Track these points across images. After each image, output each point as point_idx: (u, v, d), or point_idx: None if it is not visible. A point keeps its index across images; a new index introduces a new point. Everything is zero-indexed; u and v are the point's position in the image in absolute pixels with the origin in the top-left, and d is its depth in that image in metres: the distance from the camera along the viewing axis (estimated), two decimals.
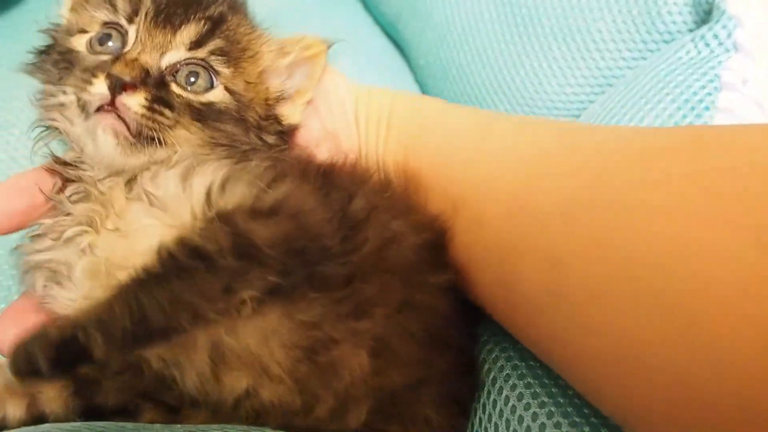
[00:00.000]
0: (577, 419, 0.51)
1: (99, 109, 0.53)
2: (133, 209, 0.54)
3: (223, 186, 0.53)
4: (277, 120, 0.63)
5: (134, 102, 0.53)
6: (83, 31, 0.59)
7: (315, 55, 0.65)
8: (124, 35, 0.58)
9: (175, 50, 0.57)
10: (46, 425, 0.49)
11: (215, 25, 0.59)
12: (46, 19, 0.64)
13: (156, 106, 0.54)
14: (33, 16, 0.90)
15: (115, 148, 0.54)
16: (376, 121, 0.70)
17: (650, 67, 0.77)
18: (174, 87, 0.57)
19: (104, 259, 0.53)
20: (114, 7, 0.58)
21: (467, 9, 0.96)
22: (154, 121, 0.54)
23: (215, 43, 0.58)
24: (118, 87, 0.53)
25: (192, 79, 0.57)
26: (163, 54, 0.57)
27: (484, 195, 0.55)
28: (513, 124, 0.62)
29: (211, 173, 0.54)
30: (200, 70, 0.58)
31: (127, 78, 0.53)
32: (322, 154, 0.66)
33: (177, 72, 0.57)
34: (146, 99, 0.54)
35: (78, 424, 0.49)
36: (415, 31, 1.05)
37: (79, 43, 0.59)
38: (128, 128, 0.54)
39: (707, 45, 0.72)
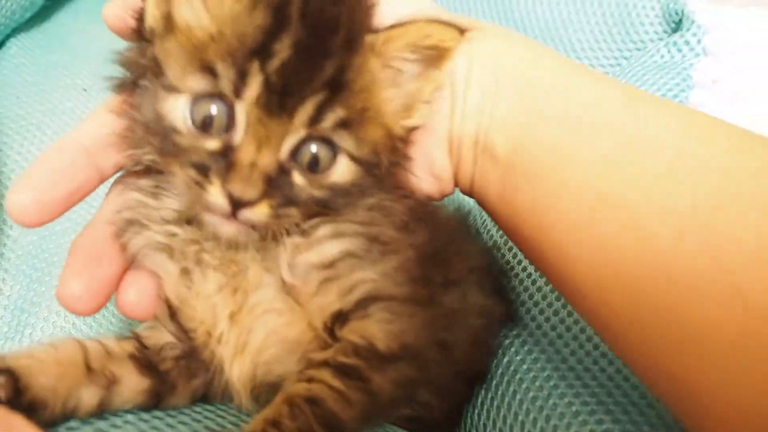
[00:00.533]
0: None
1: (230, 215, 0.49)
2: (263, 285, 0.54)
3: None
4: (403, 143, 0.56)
5: (258, 214, 0.48)
6: (174, 90, 0.49)
7: (444, 51, 0.53)
8: (230, 109, 0.49)
9: (293, 134, 0.49)
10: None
11: (334, 92, 0.49)
12: None
13: (281, 211, 0.49)
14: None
15: (239, 237, 0.51)
16: (480, 92, 0.57)
17: (627, 70, 0.85)
18: (296, 177, 0.50)
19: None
20: (213, 74, 0.48)
21: None
22: (280, 223, 0.50)
23: (336, 115, 0.49)
24: (239, 204, 0.48)
25: (315, 162, 0.50)
26: (280, 145, 0.49)
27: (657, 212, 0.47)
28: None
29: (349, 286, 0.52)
30: (321, 147, 0.50)
31: (248, 198, 0.48)
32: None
33: (297, 154, 0.50)
34: (270, 207, 0.48)
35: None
36: None
37: (175, 108, 0.50)
38: (253, 228, 0.50)
39: (679, 50, 0.82)
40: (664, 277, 0.45)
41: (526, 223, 0.54)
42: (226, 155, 0.48)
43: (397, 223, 0.55)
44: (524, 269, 0.72)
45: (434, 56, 0.53)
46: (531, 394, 0.62)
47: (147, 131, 0.51)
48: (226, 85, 0.47)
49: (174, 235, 0.54)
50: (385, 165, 0.54)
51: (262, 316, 0.54)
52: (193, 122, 0.49)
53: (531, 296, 0.69)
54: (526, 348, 0.65)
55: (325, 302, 0.53)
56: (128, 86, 0.53)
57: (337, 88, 0.48)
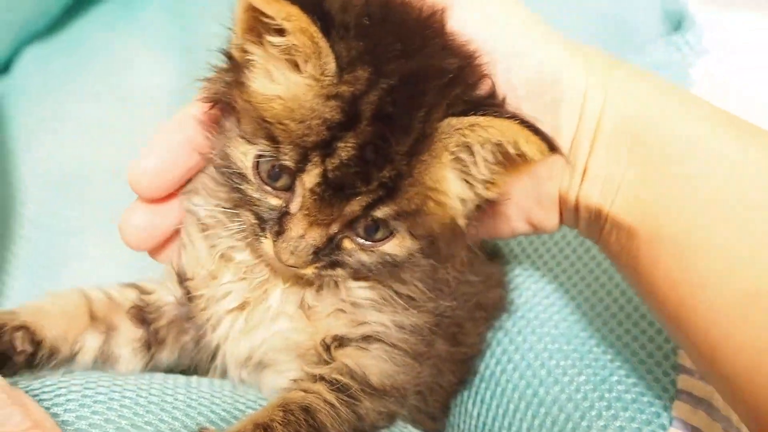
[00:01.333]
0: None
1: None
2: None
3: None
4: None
5: (302, 272, 0.52)
6: (247, 140, 0.50)
7: (526, 163, 0.49)
8: (292, 177, 0.49)
9: (345, 217, 0.50)
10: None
11: (390, 191, 0.48)
12: None
13: (325, 273, 0.52)
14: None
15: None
16: (608, 152, 0.53)
17: None
18: (346, 243, 0.51)
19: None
20: (278, 148, 0.48)
21: None
22: (324, 278, 0.54)
23: (388, 210, 0.49)
24: (300, 254, 0.50)
25: (370, 231, 0.51)
26: (329, 227, 0.50)
27: None
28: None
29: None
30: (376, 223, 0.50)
31: (293, 264, 0.50)
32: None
33: (354, 225, 0.50)
34: (316, 269, 0.51)
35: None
36: None
37: (245, 157, 0.51)
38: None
39: (679, 49, 0.83)
40: None
41: (664, 296, 0.51)
42: (282, 218, 0.50)
43: (430, 285, 0.56)
44: (523, 253, 0.73)
45: (514, 162, 0.50)
46: (523, 381, 0.62)
47: (218, 164, 0.54)
48: (288, 161, 0.48)
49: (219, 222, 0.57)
50: (444, 249, 0.54)
51: (274, 317, 0.57)
52: (260, 174, 0.50)
53: (527, 286, 0.70)
54: (519, 337, 0.66)
55: (333, 325, 0.56)
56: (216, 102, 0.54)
57: (393, 189, 0.48)
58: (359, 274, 0.53)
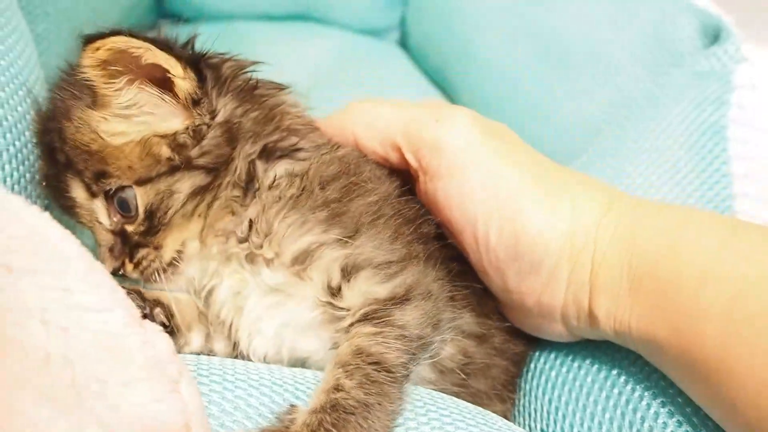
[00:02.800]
0: None
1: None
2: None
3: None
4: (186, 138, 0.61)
5: (130, 272, 0.62)
6: None
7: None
8: None
9: (95, 209, 0.62)
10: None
11: (78, 168, 0.60)
12: None
13: (136, 258, 0.61)
14: None
15: (174, 284, 0.63)
16: (611, 278, 0.56)
17: (666, 83, 0.90)
18: (128, 227, 0.61)
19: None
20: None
21: (506, 48, 1.11)
22: (147, 267, 0.61)
23: (87, 176, 0.60)
24: (119, 274, 0.62)
25: (126, 205, 0.60)
26: (97, 219, 0.62)
27: None
28: None
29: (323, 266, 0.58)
30: (118, 193, 0.60)
31: (113, 268, 0.61)
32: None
33: (118, 212, 0.61)
34: (130, 261, 0.61)
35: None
36: (459, 71, 1.20)
37: None
38: (157, 276, 0.62)
39: (719, 59, 0.86)
40: None
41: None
42: None
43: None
44: None
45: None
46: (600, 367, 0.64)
47: None
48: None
49: None
50: (183, 157, 0.60)
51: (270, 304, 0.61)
52: None
53: None
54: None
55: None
56: None
57: (75, 165, 0.60)
58: (154, 242, 0.61)
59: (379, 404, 0.51)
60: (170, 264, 0.61)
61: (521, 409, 0.70)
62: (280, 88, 0.66)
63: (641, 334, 0.54)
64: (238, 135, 0.61)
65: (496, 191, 0.58)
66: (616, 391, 0.61)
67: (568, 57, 1.03)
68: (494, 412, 0.63)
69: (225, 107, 0.61)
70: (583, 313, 0.58)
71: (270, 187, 0.60)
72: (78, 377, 0.40)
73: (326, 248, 0.58)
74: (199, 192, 0.60)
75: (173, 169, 0.59)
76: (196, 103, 0.60)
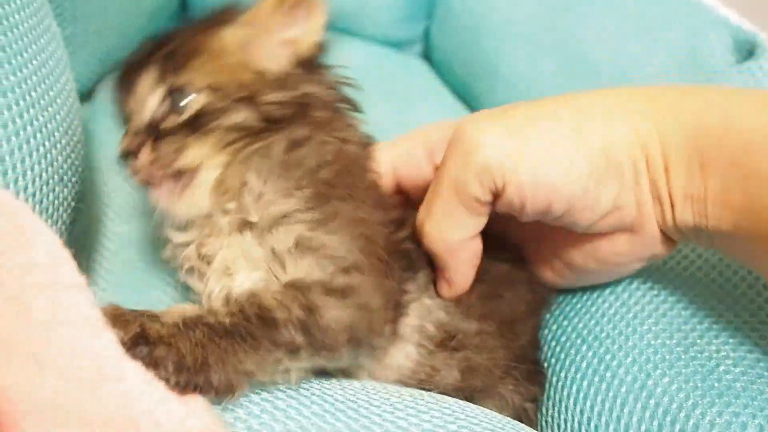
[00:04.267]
0: None
1: (144, 183, 0.63)
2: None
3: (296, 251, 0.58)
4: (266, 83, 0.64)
5: (143, 157, 0.62)
6: None
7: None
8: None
9: (149, 97, 0.63)
10: None
11: (166, 57, 0.64)
12: None
13: (156, 146, 0.61)
14: None
15: (172, 204, 0.63)
16: (684, 175, 0.56)
17: None
18: (165, 123, 0.62)
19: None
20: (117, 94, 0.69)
21: (532, 62, 1.10)
22: (162, 158, 0.61)
23: (169, 67, 0.63)
24: (130, 158, 0.63)
25: (178, 105, 0.62)
26: (143, 108, 0.63)
27: None
28: None
29: (283, 233, 0.58)
30: (179, 92, 0.62)
31: (123, 149, 0.63)
32: (599, 229, 0.62)
33: (166, 111, 0.63)
34: (150, 149, 0.62)
35: None
36: (485, 85, 1.19)
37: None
38: (162, 181, 0.62)
39: (753, 75, 0.85)
40: None
41: None
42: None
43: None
44: None
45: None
46: (630, 376, 0.63)
47: None
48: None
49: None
50: (256, 93, 0.62)
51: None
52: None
53: (623, 288, 0.71)
54: (621, 337, 0.68)
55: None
56: None
57: (168, 56, 0.63)
58: (184, 142, 0.61)
59: (239, 343, 0.49)
60: (182, 171, 0.62)
61: (549, 419, 0.69)
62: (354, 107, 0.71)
63: (717, 211, 0.54)
64: (302, 115, 0.64)
65: (549, 158, 0.58)
66: (653, 402, 0.60)
67: (595, 72, 1.02)
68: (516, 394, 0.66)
69: (312, 86, 0.66)
70: (666, 204, 0.58)
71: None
72: None
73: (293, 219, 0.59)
74: (243, 130, 0.62)
75: (241, 99, 0.62)
76: (300, 63, 0.66)
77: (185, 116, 0.61)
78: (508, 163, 0.57)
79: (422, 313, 0.64)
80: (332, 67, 0.69)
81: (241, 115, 0.62)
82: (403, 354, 0.64)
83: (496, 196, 0.60)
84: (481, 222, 0.62)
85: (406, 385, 0.64)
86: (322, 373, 0.60)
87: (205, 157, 0.62)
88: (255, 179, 0.61)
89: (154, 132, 0.62)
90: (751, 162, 0.52)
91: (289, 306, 0.52)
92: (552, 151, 0.57)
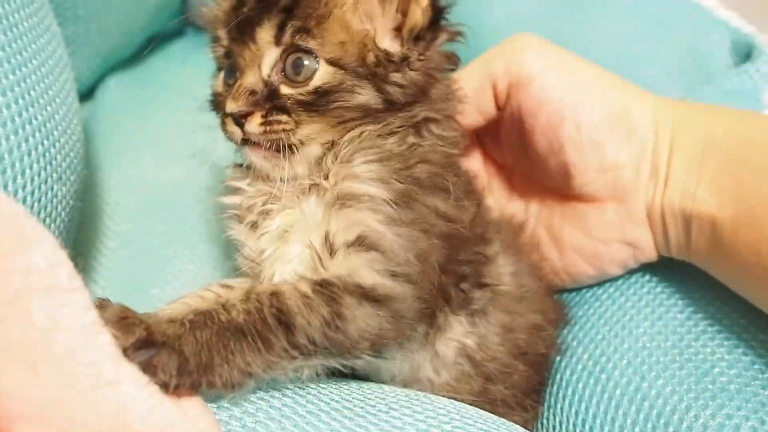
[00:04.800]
0: None
1: (244, 142, 0.61)
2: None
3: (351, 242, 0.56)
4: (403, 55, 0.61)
5: (253, 126, 0.58)
6: (220, 69, 0.66)
7: None
8: (232, 59, 0.62)
9: (267, 53, 0.59)
10: None
11: (289, 13, 0.58)
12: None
13: (271, 118, 0.58)
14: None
15: (269, 167, 0.61)
16: (685, 157, 0.62)
17: (697, 100, 0.89)
18: (283, 89, 0.59)
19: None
20: (218, 38, 0.64)
21: None
22: (274, 132, 0.58)
23: (293, 27, 0.58)
24: (239, 121, 0.59)
25: (298, 68, 0.59)
26: (260, 65, 0.59)
27: None
28: None
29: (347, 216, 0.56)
30: (299, 55, 0.59)
31: (236, 110, 0.58)
32: (594, 189, 0.66)
33: (284, 69, 0.59)
34: (262, 116, 0.58)
35: None
36: None
37: (218, 84, 0.66)
38: (265, 148, 0.60)
39: (750, 78, 0.85)
40: None
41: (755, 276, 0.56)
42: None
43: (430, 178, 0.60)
44: None
45: None
46: (624, 378, 0.63)
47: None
48: (223, 42, 0.63)
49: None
50: (375, 67, 0.60)
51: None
52: (226, 82, 0.64)
53: (621, 293, 0.72)
54: (617, 338, 0.68)
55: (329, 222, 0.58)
56: None
57: (291, 9, 0.58)
58: (302, 117, 0.59)
59: (250, 344, 0.48)
60: (293, 145, 0.59)
61: (545, 421, 0.69)
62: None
63: (705, 193, 0.59)
64: (426, 92, 0.63)
65: (578, 80, 0.66)
66: (647, 404, 0.61)
67: None
68: (515, 422, 0.62)
69: (433, 62, 0.63)
70: (660, 179, 0.63)
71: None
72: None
73: (370, 206, 0.56)
74: (364, 110, 0.60)
75: (365, 76, 0.59)
76: (415, 38, 0.62)
77: (306, 89, 0.59)
78: (540, 62, 0.66)
79: (465, 332, 0.64)
80: (447, 29, 0.65)
81: (365, 96, 0.60)
82: (432, 367, 0.64)
83: (510, 96, 0.68)
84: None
85: None
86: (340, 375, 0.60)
87: (317, 135, 0.60)
88: (360, 159, 0.59)
89: (271, 96, 0.59)
90: (743, 154, 0.58)
91: (314, 311, 0.51)
92: (584, 79, 0.65)
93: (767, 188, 0.55)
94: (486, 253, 0.64)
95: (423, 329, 0.60)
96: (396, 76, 0.60)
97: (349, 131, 0.60)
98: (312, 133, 0.60)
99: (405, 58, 0.61)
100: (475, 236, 0.63)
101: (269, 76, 0.59)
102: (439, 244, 0.58)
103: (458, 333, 0.63)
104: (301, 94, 0.59)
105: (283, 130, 0.59)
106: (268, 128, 0.58)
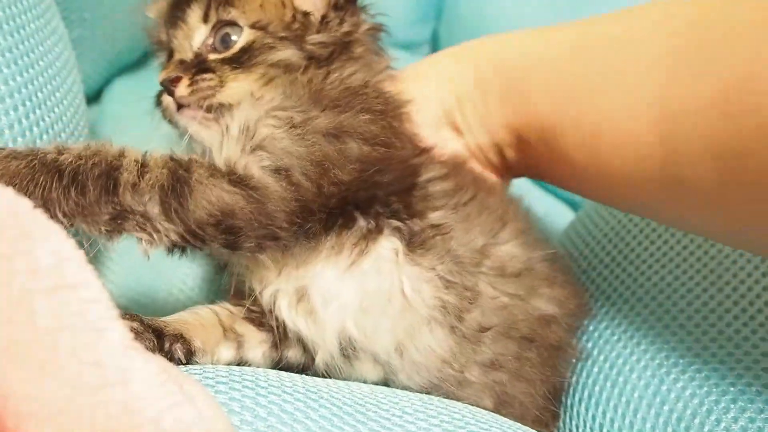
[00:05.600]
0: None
1: (178, 109, 0.63)
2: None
3: None
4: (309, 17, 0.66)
5: (182, 88, 0.62)
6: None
7: None
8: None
9: (196, 32, 0.65)
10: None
11: None
12: None
13: (197, 78, 0.62)
14: None
15: (203, 131, 0.62)
16: (471, 107, 0.70)
17: None
18: (211, 56, 0.64)
19: None
20: (160, 41, 0.70)
21: None
22: (201, 90, 0.61)
23: (217, 1, 0.64)
24: (170, 89, 0.62)
25: (226, 41, 0.64)
26: (189, 42, 0.65)
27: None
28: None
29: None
30: (226, 29, 0.64)
31: (165, 77, 0.62)
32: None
33: (213, 44, 0.64)
34: (189, 79, 0.62)
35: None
36: None
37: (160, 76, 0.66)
38: (197, 110, 0.62)
39: None
40: None
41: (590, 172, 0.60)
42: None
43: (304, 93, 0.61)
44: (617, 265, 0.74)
45: None
46: (642, 381, 0.62)
47: None
48: (162, 36, 0.69)
49: None
50: (299, 32, 0.64)
51: None
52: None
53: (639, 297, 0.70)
54: (633, 340, 0.66)
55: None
56: None
57: None
58: (227, 74, 0.62)
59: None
60: (220, 105, 0.62)
61: (561, 425, 0.68)
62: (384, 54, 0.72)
63: (502, 131, 0.68)
64: (348, 52, 0.67)
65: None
66: (666, 408, 0.59)
67: None
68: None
69: (353, 24, 0.68)
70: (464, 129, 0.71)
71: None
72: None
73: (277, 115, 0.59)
74: (288, 67, 0.63)
75: (285, 37, 0.64)
76: (336, 6, 0.67)
77: (232, 51, 0.63)
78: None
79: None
80: (364, 8, 0.71)
81: (288, 53, 0.63)
82: (429, 329, 0.60)
83: None
84: None
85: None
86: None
87: (245, 92, 0.62)
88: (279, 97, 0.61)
89: (199, 63, 0.63)
90: (519, 84, 0.65)
91: (149, 174, 0.50)
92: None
93: (581, 92, 0.59)
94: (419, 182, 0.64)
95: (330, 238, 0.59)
96: (315, 37, 0.65)
97: (277, 86, 0.62)
98: (240, 90, 0.62)
99: (326, 22, 0.66)
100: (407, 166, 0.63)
101: (198, 49, 0.65)
102: (345, 157, 0.57)
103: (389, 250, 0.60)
104: (227, 55, 0.63)
105: (209, 87, 0.61)
106: (195, 87, 0.61)
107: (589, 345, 0.70)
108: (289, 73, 0.63)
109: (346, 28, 0.67)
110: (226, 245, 0.54)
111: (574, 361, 0.70)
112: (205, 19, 0.65)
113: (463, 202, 0.63)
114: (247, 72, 0.63)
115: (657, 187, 0.53)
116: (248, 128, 0.57)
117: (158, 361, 0.41)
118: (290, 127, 0.56)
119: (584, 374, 0.68)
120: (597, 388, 0.65)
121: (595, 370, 0.67)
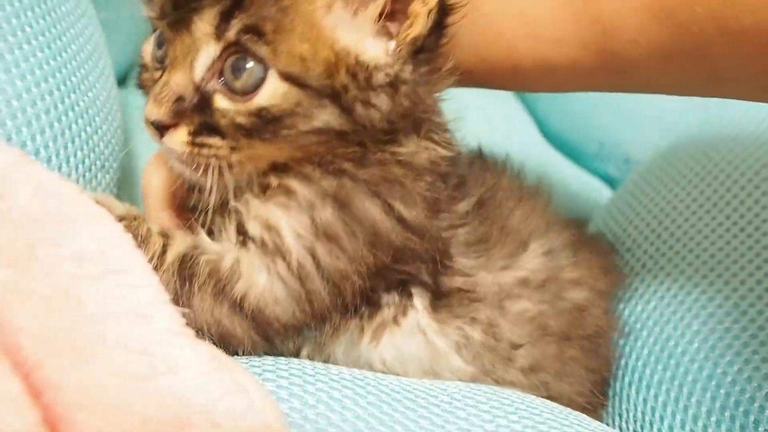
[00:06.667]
0: None
1: (162, 137, 0.49)
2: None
3: None
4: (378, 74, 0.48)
5: (176, 142, 0.48)
6: (154, 30, 0.51)
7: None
8: (163, 37, 0.50)
9: (204, 49, 0.47)
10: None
11: (239, 1, 0.45)
12: None
13: (200, 140, 0.47)
14: None
15: (194, 177, 0.50)
16: None
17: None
18: (218, 101, 0.47)
19: None
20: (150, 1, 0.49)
21: None
22: (202, 155, 0.48)
23: (240, 22, 0.45)
24: (159, 129, 0.48)
25: (238, 71, 0.46)
26: (193, 62, 0.47)
27: None
28: None
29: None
30: (243, 60, 0.46)
31: (155, 120, 0.47)
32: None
33: (222, 72, 0.47)
34: (189, 134, 0.47)
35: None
36: None
37: (147, 53, 0.53)
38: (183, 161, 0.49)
39: None
40: None
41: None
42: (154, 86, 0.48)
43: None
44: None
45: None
46: (695, 365, 0.60)
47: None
48: (155, 9, 0.48)
49: None
50: (351, 98, 0.48)
51: None
52: (154, 52, 0.51)
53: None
54: (684, 322, 0.64)
55: None
56: None
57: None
58: (240, 143, 0.48)
59: None
60: (231, 166, 0.49)
61: (610, 409, 0.67)
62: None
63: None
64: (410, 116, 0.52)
65: None
66: (723, 391, 0.57)
67: None
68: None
69: (424, 88, 0.52)
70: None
71: None
72: None
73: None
74: (322, 132, 0.48)
75: (327, 96, 0.47)
76: (415, 52, 0.49)
77: (249, 107, 0.47)
78: None
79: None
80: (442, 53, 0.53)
81: (325, 119, 0.48)
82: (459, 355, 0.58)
83: None
84: None
85: None
86: None
87: (258, 158, 0.50)
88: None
89: (202, 107, 0.47)
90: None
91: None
92: None
93: None
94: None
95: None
96: (375, 99, 0.49)
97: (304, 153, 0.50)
98: (253, 155, 0.49)
99: (395, 79, 0.49)
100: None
101: (202, 80, 0.47)
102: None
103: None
104: (241, 113, 0.47)
105: (215, 156, 0.48)
106: (195, 150, 0.48)
107: (638, 326, 0.68)
108: (327, 142, 0.50)
109: (420, 90, 0.51)
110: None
111: (617, 337, 0.68)
112: (219, 35, 0.46)
113: (486, 248, 0.58)
114: (266, 142, 0.48)
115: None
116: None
117: (208, 347, 0.40)
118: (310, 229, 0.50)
119: (633, 356, 0.66)
120: (648, 371, 0.64)
121: (645, 352, 0.65)
